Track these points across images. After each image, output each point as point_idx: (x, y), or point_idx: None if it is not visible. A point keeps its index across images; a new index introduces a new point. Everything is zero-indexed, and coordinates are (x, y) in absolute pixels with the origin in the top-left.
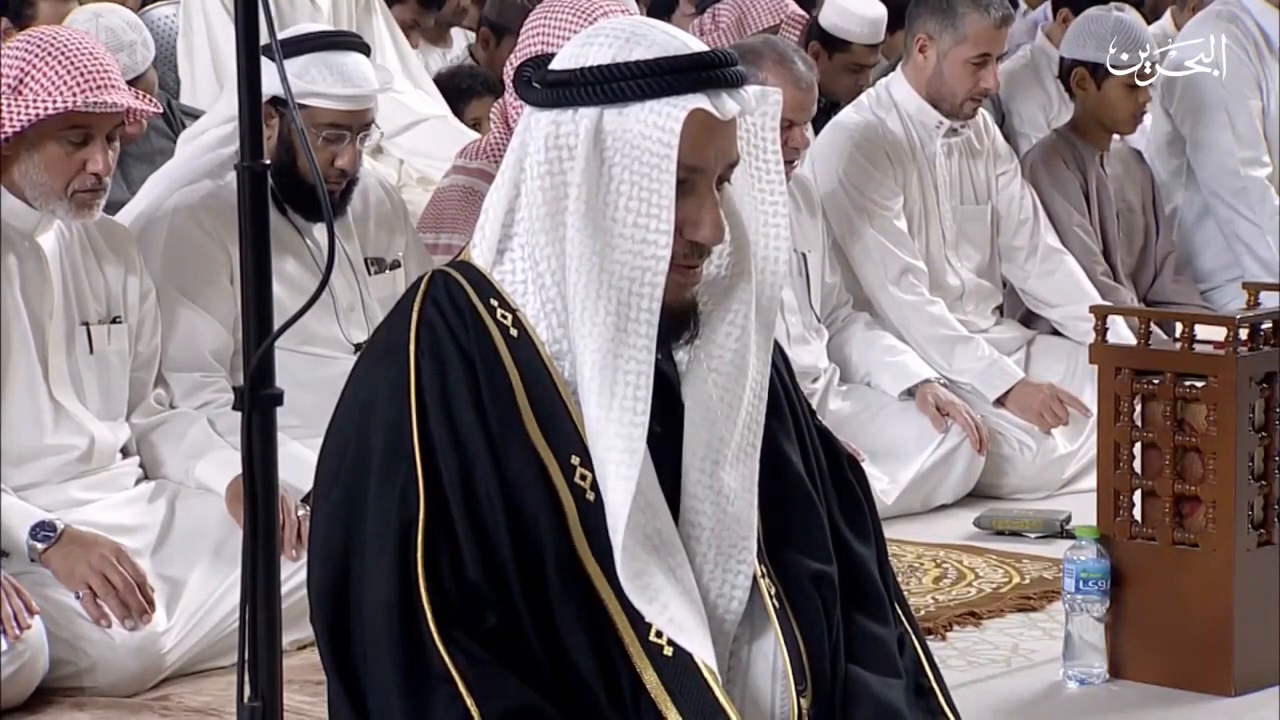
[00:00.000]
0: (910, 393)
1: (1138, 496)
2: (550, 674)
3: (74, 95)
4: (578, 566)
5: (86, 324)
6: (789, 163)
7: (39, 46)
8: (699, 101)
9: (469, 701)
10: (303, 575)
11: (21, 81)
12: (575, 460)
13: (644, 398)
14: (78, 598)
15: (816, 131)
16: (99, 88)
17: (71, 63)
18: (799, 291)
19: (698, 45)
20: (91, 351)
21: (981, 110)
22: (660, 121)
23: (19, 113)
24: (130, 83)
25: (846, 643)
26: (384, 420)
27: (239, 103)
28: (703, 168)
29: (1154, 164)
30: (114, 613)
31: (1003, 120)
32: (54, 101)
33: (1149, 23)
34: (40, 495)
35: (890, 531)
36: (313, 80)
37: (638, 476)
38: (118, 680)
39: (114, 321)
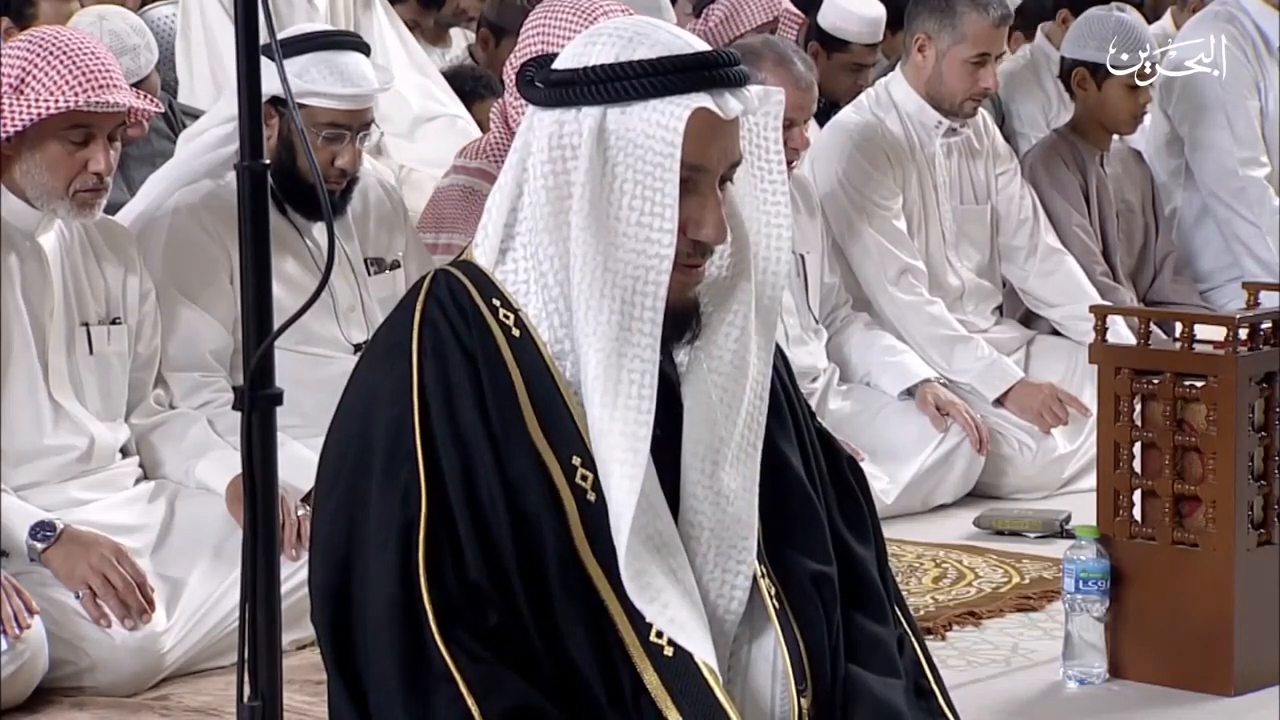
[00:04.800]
0: (910, 392)
1: (1137, 496)
2: (551, 673)
3: (76, 95)
4: (579, 566)
5: (86, 325)
6: (788, 163)
7: (41, 46)
8: (702, 101)
9: (470, 701)
10: (303, 575)
11: (24, 80)
12: (576, 461)
13: (649, 396)
14: (77, 597)
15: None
16: (101, 87)
17: (74, 62)
18: (796, 293)
19: (701, 45)
20: (91, 352)
21: (981, 110)
22: (663, 121)
23: (21, 112)
24: (133, 86)
25: (846, 643)
26: (386, 419)
27: (239, 102)
28: (706, 167)
29: (1153, 164)
30: (114, 612)
31: (1002, 120)
32: (56, 101)
33: (1149, 23)
34: (40, 495)
35: (890, 531)
36: (312, 80)
37: (642, 476)
38: (117, 680)
39: (114, 322)
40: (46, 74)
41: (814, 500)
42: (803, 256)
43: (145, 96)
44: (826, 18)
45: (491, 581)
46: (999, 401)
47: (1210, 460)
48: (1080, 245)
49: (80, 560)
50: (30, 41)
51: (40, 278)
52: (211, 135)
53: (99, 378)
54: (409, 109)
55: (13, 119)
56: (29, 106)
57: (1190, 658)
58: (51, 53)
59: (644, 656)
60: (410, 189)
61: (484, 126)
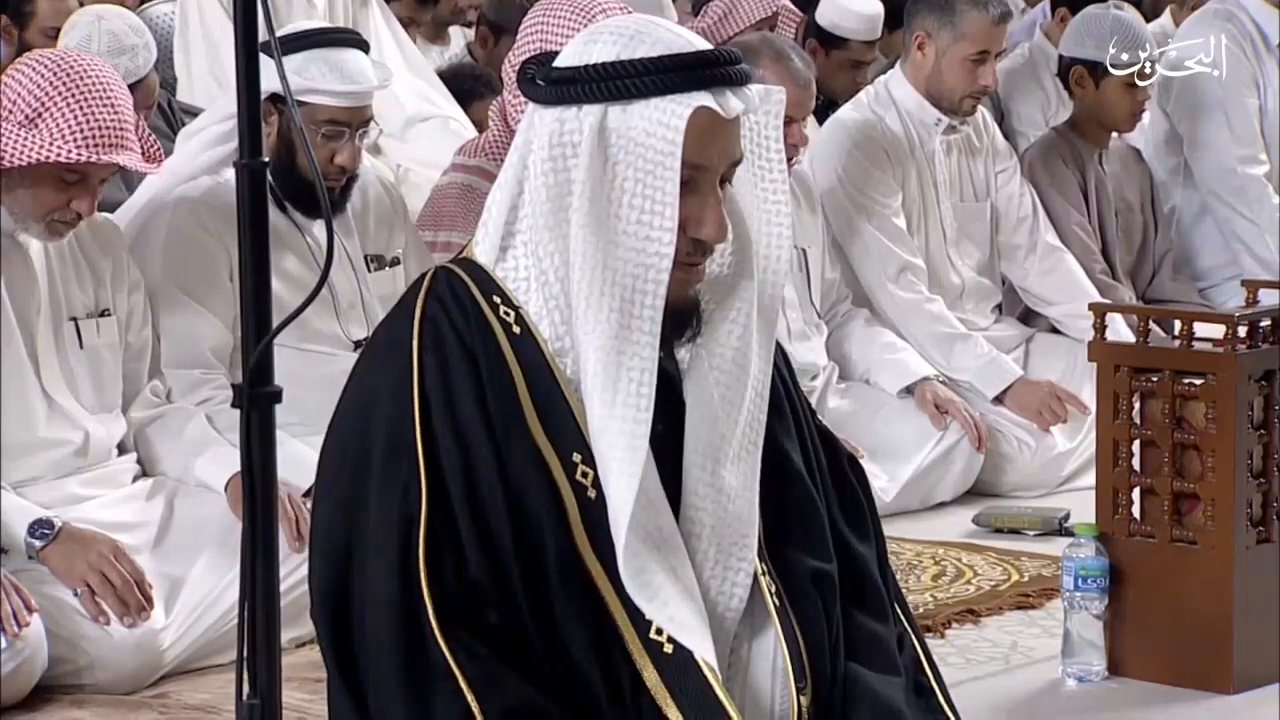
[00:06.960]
0: (909, 390)
1: (1136, 494)
2: (551, 671)
3: (84, 150)
4: (579, 564)
5: (75, 319)
6: (787, 160)
7: (60, 80)
8: (703, 99)
9: (470, 698)
10: (302, 572)
11: (39, 115)
12: (577, 458)
13: (647, 394)
14: (76, 595)
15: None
16: (111, 146)
17: (91, 113)
18: (799, 287)
19: (702, 43)
20: (81, 347)
21: (980, 108)
22: (664, 119)
23: (27, 149)
24: (131, 87)
25: (846, 641)
26: (386, 417)
27: (238, 100)
28: (706, 165)
29: (1152, 162)
30: (112, 610)
31: (1001, 119)
32: (64, 152)
33: (1148, 21)
34: (38, 492)
35: (889, 529)
36: (312, 77)
37: (640, 474)
38: (116, 678)
39: (102, 314)
40: (62, 117)
41: (814, 498)
42: (804, 251)
43: (147, 137)
44: (824, 15)
45: (491, 579)
46: (998, 399)
47: (1209, 458)
48: (1079, 243)
49: (79, 558)
50: (50, 70)
51: (25, 275)
52: (210, 133)
53: (91, 371)
54: (402, 109)
55: (17, 153)
56: (38, 148)
57: (1189, 655)
58: (72, 93)
59: (643, 654)
60: (407, 189)
61: (483, 125)
